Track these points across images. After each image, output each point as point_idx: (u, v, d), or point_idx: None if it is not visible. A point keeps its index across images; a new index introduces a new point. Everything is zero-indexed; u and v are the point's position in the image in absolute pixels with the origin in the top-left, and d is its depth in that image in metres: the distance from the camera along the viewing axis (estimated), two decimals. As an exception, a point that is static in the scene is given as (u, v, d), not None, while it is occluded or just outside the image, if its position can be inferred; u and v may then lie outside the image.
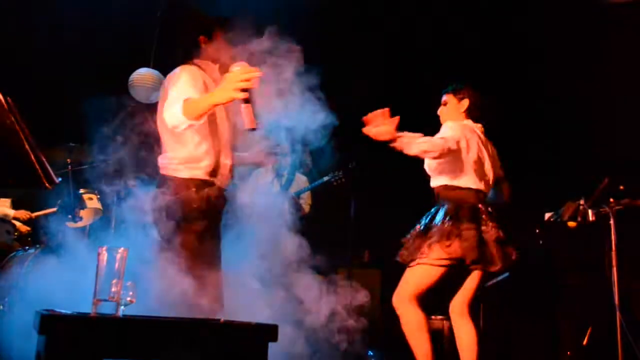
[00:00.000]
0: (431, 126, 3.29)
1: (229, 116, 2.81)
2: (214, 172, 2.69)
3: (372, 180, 5.11)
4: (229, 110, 2.79)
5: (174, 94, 2.52)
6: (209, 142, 2.67)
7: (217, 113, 2.72)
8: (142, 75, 4.90)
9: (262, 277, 3.10)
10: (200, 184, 2.63)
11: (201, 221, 2.59)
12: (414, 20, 5.29)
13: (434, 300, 3.21)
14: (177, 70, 2.68)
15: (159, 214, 2.58)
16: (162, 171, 2.69)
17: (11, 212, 4.48)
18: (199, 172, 2.65)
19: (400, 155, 3.44)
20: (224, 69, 2.65)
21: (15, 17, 4.80)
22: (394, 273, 3.30)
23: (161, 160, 2.72)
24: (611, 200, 3.57)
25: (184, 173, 2.63)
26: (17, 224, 4.49)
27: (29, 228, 4.53)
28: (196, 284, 2.46)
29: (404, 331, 3.12)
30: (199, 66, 2.75)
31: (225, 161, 2.74)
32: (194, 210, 2.58)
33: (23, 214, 4.54)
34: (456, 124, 3.25)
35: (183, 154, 2.64)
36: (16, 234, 4.45)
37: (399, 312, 3.14)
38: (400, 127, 3.01)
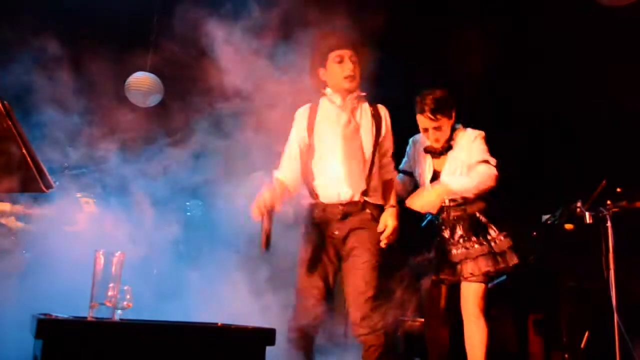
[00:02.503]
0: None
1: None
2: None
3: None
4: None
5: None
6: None
7: None
8: (139, 78, 4.90)
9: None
10: None
11: None
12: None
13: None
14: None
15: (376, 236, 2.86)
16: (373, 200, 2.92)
17: (7, 207, 4.41)
18: None
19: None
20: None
21: (9, 19, 4.78)
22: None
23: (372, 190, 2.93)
24: (608, 202, 3.57)
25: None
26: (12, 223, 4.43)
27: (29, 226, 4.45)
28: None
29: (479, 342, 3.12)
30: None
31: None
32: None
33: (19, 209, 4.48)
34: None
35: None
36: (13, 238, 4.42)
37: (480, 322, 3.14)
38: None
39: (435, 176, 3.26)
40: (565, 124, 5.13)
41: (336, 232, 2.85)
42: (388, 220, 2.84)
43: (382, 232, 2.83)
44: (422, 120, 3.22)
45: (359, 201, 2.86)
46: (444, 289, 3.30)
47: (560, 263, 4.20)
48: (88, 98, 4.11)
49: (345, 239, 2.86)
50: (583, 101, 4.91)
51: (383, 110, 3.02)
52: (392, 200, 2.98)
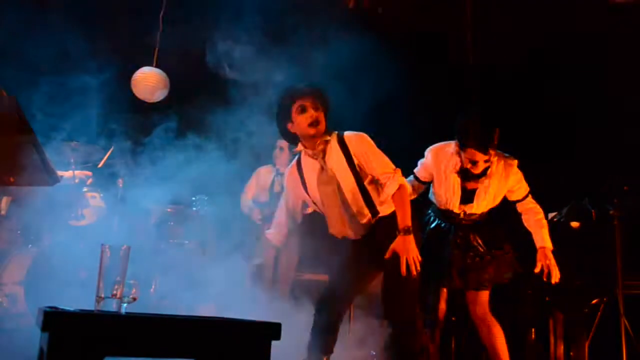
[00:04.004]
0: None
1: None
2: None
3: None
4: None
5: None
6: None
7: None
8: (145, 73, 4.90)
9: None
10: None
11: None
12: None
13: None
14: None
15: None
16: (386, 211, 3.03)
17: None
18: None
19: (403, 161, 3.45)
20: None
21: (14, 14, 4.80)
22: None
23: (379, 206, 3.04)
24: (615, 200, 3.56)
25: None
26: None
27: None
28: None
29: (494, 339, 3.19)
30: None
31: None
32: None
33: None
34: None
35: None
36: (19, 232, 4.43)
37: (494, 323, 3.22)
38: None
39: (466, 196, 3.22)
40: (571, 122, 5.11)
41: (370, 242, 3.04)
42: (397, 248, 2.84)
43: None
44: (472, 154, 3.06)
45: (372, 222, 3.01)
46: (445, 292, 3.33)
47: (566, 261, 4.19)
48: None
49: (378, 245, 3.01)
50: (587, 99, 4.89)
51: (350, 139, 3.00)
52: (404, 221, 2.86)
